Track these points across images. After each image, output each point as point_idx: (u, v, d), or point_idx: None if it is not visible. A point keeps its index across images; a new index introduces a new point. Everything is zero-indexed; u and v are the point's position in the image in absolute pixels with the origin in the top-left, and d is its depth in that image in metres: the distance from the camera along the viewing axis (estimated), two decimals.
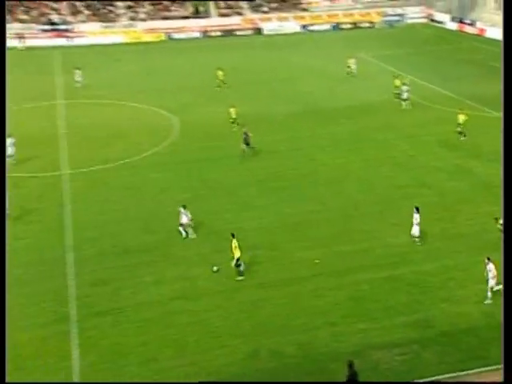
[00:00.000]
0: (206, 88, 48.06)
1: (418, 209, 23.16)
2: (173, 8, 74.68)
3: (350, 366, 15.20)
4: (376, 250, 23.37)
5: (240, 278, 21.52)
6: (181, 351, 17.95)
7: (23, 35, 65.21)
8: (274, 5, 76.91)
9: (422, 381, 16.40)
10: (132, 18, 72.49)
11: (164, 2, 74.91)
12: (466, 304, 19.70)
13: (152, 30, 71.23)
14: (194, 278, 21.75)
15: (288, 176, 30.91)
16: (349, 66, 50.79)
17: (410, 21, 76.47)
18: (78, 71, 48.81)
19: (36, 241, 24.64)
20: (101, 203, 28.12)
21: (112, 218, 26.58)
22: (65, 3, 71.96)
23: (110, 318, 19.58)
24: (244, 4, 77.04)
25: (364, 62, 55.23)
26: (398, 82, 42.82)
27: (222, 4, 76.13)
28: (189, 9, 75.14)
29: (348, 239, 24.21)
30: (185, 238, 24.35)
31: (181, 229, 24.38)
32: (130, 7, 73.72)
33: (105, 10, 72.35)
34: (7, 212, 24.30)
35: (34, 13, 70.15)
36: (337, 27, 74.67)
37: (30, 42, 65.73)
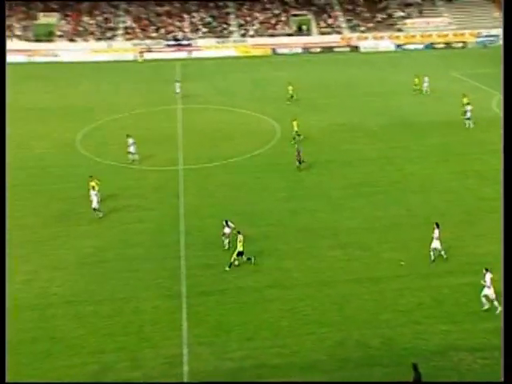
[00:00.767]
0: (303, 99, 48.04)
1: (438, 224, 22.03)
2: (278, 26, 75.22)
3: (415, 368, 14.58)
4: (459, 257, 22.27)
5: (228, 268, 21.48)
6: (275, 334, 18.09)
7: (142, 50, 68.23)
8: (370, 25, 75.33)
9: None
10: (243, 35, 73.84)
11: (271, 21, 75.63)
12: None
13: (259, 45, 72.17)
14: (288, 270, 21.79)
15: (378, 182, 30.18)
16: (416, 84, 48.52)
17: None
18: (177, 84, 48.51)
19: (156, 225, 25.65)
20: (208, 197, 28.74)
21: (217, 210, 27.15)
22: (187, 22, 74.62)
23: (214, 297, 20.06)
24: (343, 24, 76.13)
25: (455, 79, 52.72)
26: (465, 100, 40.30)
27: (322, 23, 75.64)
28: (292, 27, 75.37)
29: None
30: (227, 249, 22.88)
31: (223, 238, 23.14)
32: (241, 25, 75.13)
33: (219, 28, 74.19)
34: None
35: (162, 30, 73.35)
36: (430, 46, 71.77)
37: (156, 56, 68.94)
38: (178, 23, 74.47)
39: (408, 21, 75.53)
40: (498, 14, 72.77)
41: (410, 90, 48.94)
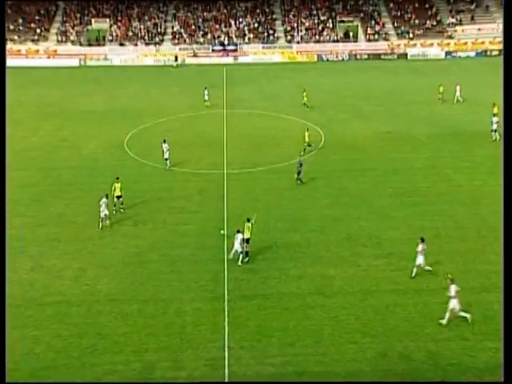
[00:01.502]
0: (347, 105, 47.70)
1: (422, 239, 21.24)
2: (325, 33, 75.00)
3: None
4: None
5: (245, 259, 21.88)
6: (316, 341, 17.96)
7: (177, 56, 69.26)
8: (419, 31, 74.13)
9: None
10: (289, 41, 74.03)
11: (318, 27, 75.48)
12: None
13: (305, 52, 72.18)
14: (331, 278, 21.61)
15: (424, 192, 29.56)
16: (440, 93, 47.38)
17: None
18: (206, 91, 47.70)
19: (200, 228, 25.88)
20: (251, 202, 28.76)
21: (260, 215, 27.16)
22: (233, 27, 75.45)
23: (256, 302, 20.11)
24: (390, 30, 75.22)
25: None
26: (495, 110, 38.62)
27: (369, 30, 74.94)
28: (339, 34, 74.96)
29: (483, 259, 22.58)
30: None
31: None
32: (287, 31, 75.34)
33: (266, 33, 74.61)
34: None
35: (209, 35, 74.41)
36: (482, 54, 69.92)
37: (202, 60, 70.03)
38: (224, 28, 75.40)
39: (459, 27, 73.90)
40: None
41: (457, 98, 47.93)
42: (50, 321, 19.18)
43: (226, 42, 72.93)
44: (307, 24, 76.06)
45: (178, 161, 34.42)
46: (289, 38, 74.37)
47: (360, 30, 75.35)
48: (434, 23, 75.64)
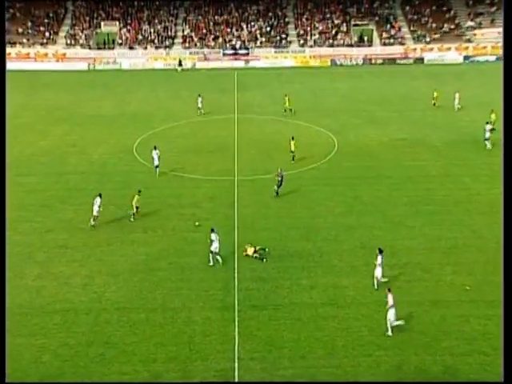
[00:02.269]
0: (360, 111, 47.70)
1: (380, 250, 21.26)
2: (339, 37, 75.14)
3: None
4: None
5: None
6: (329, 353, 17.94)
7: (181, 60, 69.36)
8: (436, 35, 73.99)
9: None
10: (301, 45, 74.25)
11: (331, 31, 75.66)
12: None
13: (318, 56, 72.34)
14: (344, 288, 21.61)
15: (440, 201, 29.47)
16: (434, 98, 47.80)
17: None
18: (199, 98, 46.94)
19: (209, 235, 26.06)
20: (263, 209, 28.91)
21: (272, 223, 27.31)
22: (245, 31, 75.87)
23: (267, 312, 20.12)
24: (406, 34, 75.17)
25: None
26: (493, 117, 38.39)
27: (385, 34, 74.97)
28: (353, 38, 75.07)
29: None
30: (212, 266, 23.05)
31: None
32: (300, 35, 75.59)
33: (278, 37, 74.92)
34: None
35: (220, 39, 74.90)
36: (502, 58, 69.64)
37: (213, 64, 70.48)
38: (236, 32, 75.86)
39: (478, 31, 73.58)
40: None
41: (476, 104, 47.72)
42: (57, 329, 19.36)
43: (237, 46, 73.37)
44: (321, 28, 76.27)
45: (188, 167, 34.63)
46: (302, 41, 74.60)
47: (375, 34, 75.38)
48: (452, 27, 75.45)
